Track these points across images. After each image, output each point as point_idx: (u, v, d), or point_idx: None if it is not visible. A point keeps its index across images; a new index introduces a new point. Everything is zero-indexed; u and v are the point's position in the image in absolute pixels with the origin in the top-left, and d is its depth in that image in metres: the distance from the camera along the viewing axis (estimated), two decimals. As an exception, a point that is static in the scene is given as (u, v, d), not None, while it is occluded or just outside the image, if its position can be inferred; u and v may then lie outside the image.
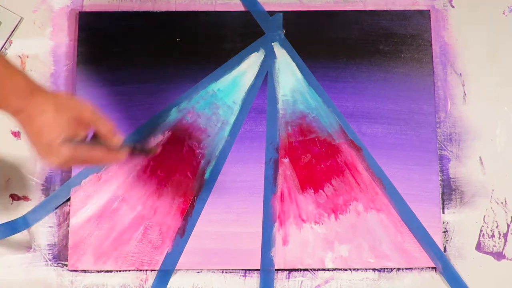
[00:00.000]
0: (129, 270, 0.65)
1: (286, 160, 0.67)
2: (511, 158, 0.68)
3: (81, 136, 0.49)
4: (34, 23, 0.71)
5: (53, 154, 0.48)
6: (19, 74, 0.48)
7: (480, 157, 0.68)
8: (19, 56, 0.70)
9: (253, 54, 0.70)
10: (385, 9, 0.71)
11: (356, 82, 0.69)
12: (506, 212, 0.67)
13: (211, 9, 0.71)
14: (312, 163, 0.67)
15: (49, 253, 0.66)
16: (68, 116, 0.48)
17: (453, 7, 0.72)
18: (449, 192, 0.67)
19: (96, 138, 0.52)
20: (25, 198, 0.67)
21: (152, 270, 0.65)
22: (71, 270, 0.65)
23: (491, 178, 0.68)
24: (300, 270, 0.65)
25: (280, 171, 0.67)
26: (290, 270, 0.65)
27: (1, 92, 0.47)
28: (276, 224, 0.66)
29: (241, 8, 0.71)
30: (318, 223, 0.66)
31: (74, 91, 0.68)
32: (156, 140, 0.66)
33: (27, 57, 0.70)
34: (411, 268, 0.65)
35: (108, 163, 0.53)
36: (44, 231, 0.66)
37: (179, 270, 0.65)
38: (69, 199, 0.66)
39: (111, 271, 0.65)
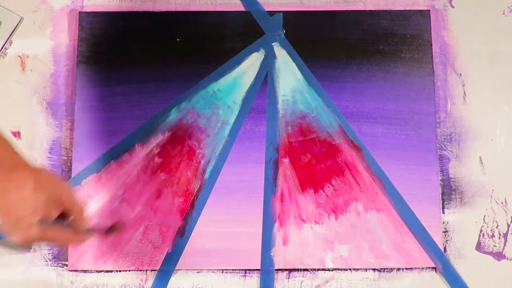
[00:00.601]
0: (129, 270, 0.65)
1: (286, 160, 0.67)
2: (511, 158, 0.68)
3: (52, 217, 0.49)
4: (34, 23, 0.71)
5: (21, 230, 0.47)
6: (4, 146, 0.48)
7: (480, 157, 0.68)
8: (19, 56, 0.70)
9: (253, 54, 0.70)
10: (385, 9, 0.71)
11: (356, 82, 0.69)
12: (506, 212, 0.67)
13: (211, 9, 0.71)
14: (312, 163, 0.67)
15: (49, 253, 0.66)
16: (45, 197, 0.47)
17: (453, 7, 0.72)
18: (449, 192, 0.67)
19: (63, 217, 0.51)
20: (25, 198, 0.67)
21: (152, 270, 0.65)
22: (71, 270, 0.65)
23: (491, 178, 0.68)
24: (300, 270, 0.65)
25: (280, 171, 0.67)
26: (290, 270, 0.65)
27: None
28: (276, 224, 0.66)
29: (241, 8, 0.71)
30: (318, 223, 0.66)
31: (74, 91, 0.68)
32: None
33: (27, 57, 0.70)
34: (411, 268, 0.65)
35: (74, 244, 0.53)
36: (44, 231, 0.66)
37: (179, 270, 0.65)
38: (69, 199, 0.66)
39: (111, 271, 0.65)
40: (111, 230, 0.57)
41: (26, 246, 0.48)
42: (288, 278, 0.65)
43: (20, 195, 0.46)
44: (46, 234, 0.48)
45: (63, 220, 0.51)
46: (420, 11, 0.71)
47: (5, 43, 0.69)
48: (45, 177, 0.48)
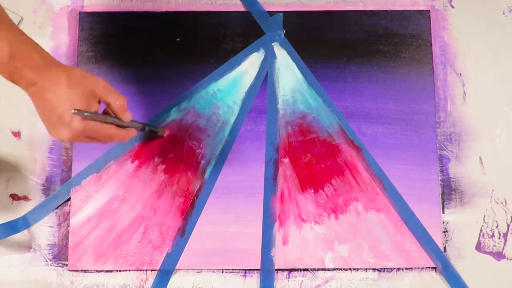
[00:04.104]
0: (129, 270, 0.65)
1: (286, 160, 0.67)
2: (511, 158, 0.68)
3: (93, 110, 0.49)
4: (34, 23, 0.71)
5: (64, 126, 0.47)
6: (33, 47, 0.49)
7: (480, 157, 0.68)
8: (19, 56, 0.69)
9: (253, 54, 0.70)
10: (385, 9, 0.71)
11: (356, 82, 0.69)
12: (506, 212, 0.67)
13: (211, 9, 0.71)
14: (312, 163, 0.67)
15: (49, 253, 0.66)
16: (81, 90, 0.48)
17: (453, 7, 0.72)
18: (449, 192, 0.67)
19: (106, 114, 0.52)
20: (25, 198, 0.67)
21: (152, 270, 0.65)
22: (71, 270, 0.65)
23: (491, 178, 0.68)
24: (300, 270, 0.65)
25: (280, 171, 0.67)
26: (290, 270, 0.65)
27: (15, 64, 0.47)
28: (276, 224, 0.66)
29: (241, 8, 0.71)
30: (318, 223, 0.66)
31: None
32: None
33: (27, 57, 0.69)
34: (411, 268, 0.65)
35: (118, 140, 0.53)
36: (44, 231, 0.66)
37: (179, 270, 0.65)
38: (69, 199, 0.66)
39: (111, 271, 0.65)
40: (154, 131, 0.58)
41: (75, 141, 0.49)
42: (288, 278, 0.65)
43: (57, 91, 0.47)
44: (89, 128, 0.49)
45: (106, 115, 0.52)
46: (420, 11, 0.71)
47: (5, 43, 0.69)
48: (77, 73, 0.49)
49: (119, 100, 0.52)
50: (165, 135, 0.67)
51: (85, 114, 0.48)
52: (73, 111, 0.47)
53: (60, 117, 0.47)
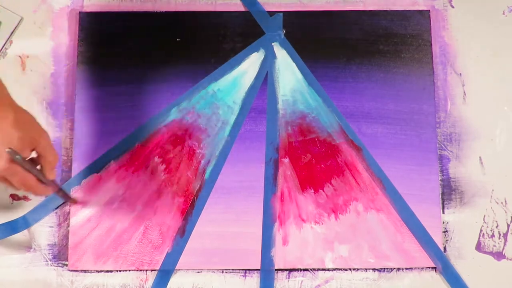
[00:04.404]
0: (129, 270, 0.65)
1: (286, 160, 0.67)
2: (511, 158, 0.68)
3: (23, 155, 0.49)
4: (34, 23, 0.71)
5: None
6: None
7: (480, 157, 0.68)
8: (19, 56, 0.70)
9: (253, 54, 0.70)
10: (385, 9, 0.71)
11: (356, 82, 0.69)
12: (506, 212, 0.67)
13: (211, 9, 0.71)
14: (312, 163, 0.67)
15: (49, 253, 0.66)
16: (22, 133, 0.48)
17: (453, 7, 0.72)
18: (449, 192, 0.67)
19: (33, 163, 0.52)
20: (25, 198, 0.67)
21: (152, 270, 0.65)
22: (71, 270, 0.65)
23: (491, 178, 0.68)
24: (300, 270, 0.65)
25: (280, 171, 0.67)
26: (290, 270, 0.65)
27: None
28: (276, 224, 0.66)
29: (241, 8, 0.71)
30: (318, 223, 0.66)
31: (74, 91, 0.68)
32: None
33: (27, 57, 0.70)
34: (411, 268, 0.65)
35: (32, 192, 0.53)
36: (44, 231, 0.66)
37: (179, 270, 0.65)
38: (69, 199, 0.66)
39: (111, 271, 0.65)
40: (67, 197, 0.59)
41: None
42: (288, 278, 0.65)
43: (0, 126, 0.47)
44: (13, 169, 0.48)
45: (33, 165, 0.52)
46: (420, 11, 0.71)
47: (5, 43, 0.69)
48: (27, 117, 0.49)
49: (53, 157, 0.52)
50: (76, 203, 0.65)
51: (17, 157, 0.48)
52: (7, 149, 0.47)
53: None
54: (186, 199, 0.66)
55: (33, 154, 0.52)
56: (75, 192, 0.66)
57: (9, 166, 0.48)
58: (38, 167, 0.53)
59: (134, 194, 0.66)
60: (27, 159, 0.50)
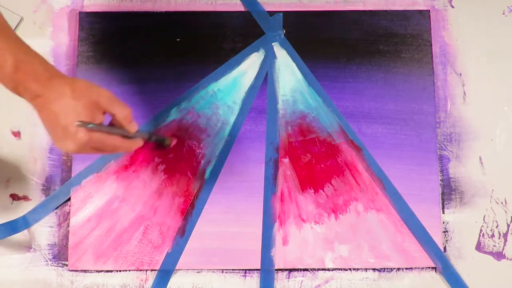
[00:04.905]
0: (129, 270, 0.65)
1: (286, 160, 0.67)
2: (511, 158, 0.68)
3: (98, 121, 0.49)
4: (34, 23, 0.71)
5: (69, 138, 0.47)
6: (37, 59, 0.49)
7: (480, 157, 0.68)
8: (19, 56, 0.69)
9: (253, 54, 0.70)
10: (385, 9, 0.71)
11: (356, 82, 0.69)
12: (506, 212, 0.67)
13: (211, 9, 0.71)
14: (312, 163, 0.67)
15: (49, 253, 0.66)
16: (85, 101, 0.48)
17: (453, 7, 0.72)
18: (449, 192, 0.67)
19: (112, 125, 0.52)
20: (25, 198, 0.67)
21: (152, 270, 0.65)
22: (71, 270, 0.65)
23: (491, 178, 0.68)
24: (300, 270, 0.65)
25: (280, 171, 0.67)
26: (290, 270, 0.65)
27: (20, 77, 0.47)
28: (276, 224, 0.66)
29: (241, 8, 0.71)
30: (318, 223, 0.66)
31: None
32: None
33: (27, 57, 0.69)
34: (411, 268, 0.65)
35: (123, 150, 0.53)
36: (44, 231, 0.66)
37: (179, 270, 0.65)
38: (69, 199, 0.66)
39: (111, 271, 0.65)
40: (161, 140, 0.57)
41: (81, 152, 0.49)
42: (288, 278, 0.65)
43: (61, 103, 0.47)
44: (95, 139, 0.48)
45: (111, 126, 0.51)
46: (420, 11, 0.71)
47: (5, 43, 0.69)
48: (82, 85, 0.49)
49: (124, 111, 0.52)
50: (172, 144, 0.65)
51: (89, 126, 0.48)
52: (77, 123, 0.47)
53: (65, 129, 0.47)
54: (186, 199, 0.66)
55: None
56: (75, 192, 0.66)
57: (90, 137, 0.48)
58: (118, 125, 0.53)
59: (134, 194, 0.66)
60: (101, 123, 0.50)
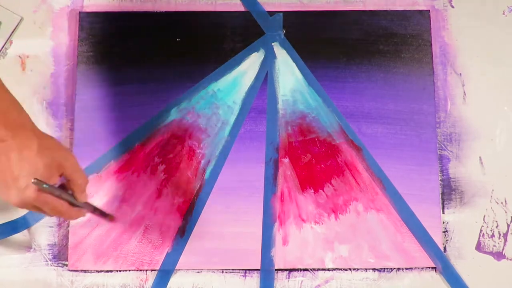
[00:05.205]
0: (129, 270, 0.65)
1: (286, 160, 0.67)
2: (511, 158, 0.68)
3: (52, 182, 0.48)
4: (34, 23, 0.71)
5: (16, 190, 0.46)
6: (14, 106, 0.48)
7: (480, 157, 0.68)
8: (19, 56, 0.70)
9: (253, 54, 0.70)
10: (385, 9, 0.71)
11: (356, 82, 0.69)
12: (506, 212, 0.67)
13: (211, 9, 0.71)
14: (312, 163, 0.67)
15: (49, 253, 0.66)
16: (48, 161, 0.47)
17: (453, 7, 0.72)
18: (449, 192, 0.67)
19: (63, 189, 0.51)
20: (25, 198, 0.67)
21: (152, 270, 0.65)
22: (71, 270, 0.65)
23: (491, 178, 0.68)
24: (300, 270, 0.65)
25: (280, 171, 0.67)
26: (290, 270, 0.65)
27: None
28: (276, 224, 0.66)
29: (241, 8, 0.71)
30: (318, 223, 0.66)
31: (74, 91, 0.68)
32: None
33: (27, 57, 0.70)
34: (411, 268, 0.65)
35: (65, 217, 0.52)
36: (44, 231, 0.66)
37: (179, 270, 0.65)
38: (69, 199, 0.66)
39: (111, 271, 0.65)
40: (104, 215, 0.57)
41: (21, 207, 0.48)
42: (288, 278, 0.65)
43: (22, 155, 0.46)
44: (42, 198, 0.47)
45: (63, 191, 0.50)
46: (420, 11, 0.71)
47: (5, 43, 0.69)
48: (50, 143, 0.48)
49: (82, 180, 0.51)
50: (113, 220, 0.64)
51: (44, 186, 0.46)
52: (33, 180, 0.45)
53: (15, 180, 0.45)
54: (186, 199, 0.66)
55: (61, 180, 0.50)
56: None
57: (38, 196, 0.46)
58: (69, 191, 0.51)
59: (134, 194, 0.66)
60: (56, 185, 0.49)
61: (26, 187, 0.46)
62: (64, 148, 0.49)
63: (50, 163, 0.47)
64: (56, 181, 0.49)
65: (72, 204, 0.51)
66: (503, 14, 0.71)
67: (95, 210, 0.58)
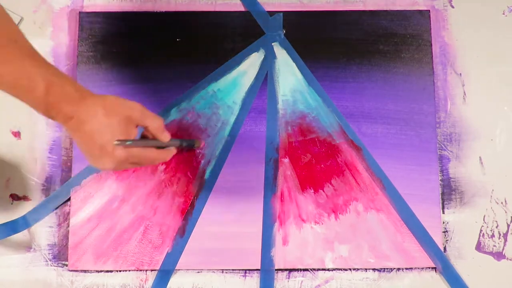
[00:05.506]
0: (129, 270, 0.65)
1: (286, 160, 0.67)
2: (511, 158, 0.68)
3: (132, 136, 0.49)
4: (34, 23, 0.71)
5: (107, 157, 0.48)
6: (67, 80, 0.48)
7: (480, 157, 0.68)
8: (19, 56, 0.69)
9: (253, 54, 0.70)
10: (385, 9, 0.71)
11: (356, 82, 0.69)
12: (506, 212, 0.67)
13: (211, 9, 0.71)
14: (312, 163, 0.67)
15: (49, 253, 0.66)
16: (119, 118, 0.48)
17: (453, 7, 0.72)
18: (449, 192, 0.67)
19: (144, 138, 0.52)
20: (25, 198, 0.67)
21: (152, 270, 0.65)
22: (71, 270, 0.65)
23: (491, 178, 0.68)
24: (300, 270, 0.65)
25: (280, 171, 0.67)
26: (290, 270, 0.65)
27: (52, 100, 0.46)
28: (276, 224, 0.66)
29: (241, 8, 0.71)
30: (318, 223, 0.66)
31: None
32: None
33: (27, 57, 0.70)
34: (411, 268, 0.65)
35: (159, 161, 0.54)
36: (44, 231, 0.66)
37: (179, 270, 0.65)
38: (69, 199, 0.66)
39: (111, 271, 0.65)
40: (192, 145, 0.58)
41: (118, 169, 0.50)
42: (288, 278, 0.65)
43: (95, 122, 0.47)
44: (132, 154, 0.49)
45: (145, 140, 0.52)
46: (420, 11, 0.71)
47: (5, 43, 0.69)
48: (112, 101, 0.49)
49: (156, 122, 0.52)
50: (201, 145, 0.66)
51: (127, 143, 0.48)
52: (115, 142, 0.47)
53: (102, 148, 0.47)
54: (186, 199, 0.66)
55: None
56: (75, 192, 0.66)
57: (127, 154, 0.48)
58: (150, 137, 0.53)
59: (134, 194, 0.66)
60: (135, 136, 0.50)
61: (113, 150, 0.47)
62: (126, 100, 0.50)
63: (121, 119, 0.48)
64: (136, 133, 0.50)
65: (160, 147, 0.53)
66: (503, 14, 0.72)
67: (182, 143, 0.58)
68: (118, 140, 0.47)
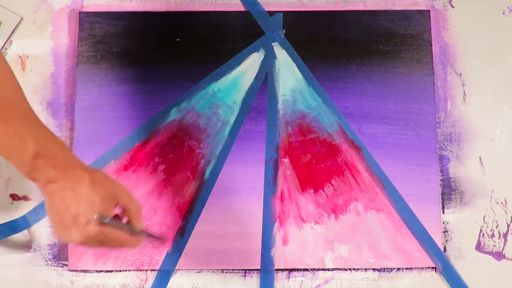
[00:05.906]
0: (129, 270, 0.65)
1: (286, 160, 0.67)
2: (511, 158, 0.68)
3: (109, 215, 0.47)
4: (34, 23, 0.71)
5: (77, 228, 0.46)
6: (58, 145, 0.47)
7: (480, 157, 0.68)
8: (19, 56, 0.70)
9: (253, 54, 0.70)
10: (385, 9, 0.71)
11: (356, 82, 0.69)
12: (506, 212, 0.67)
13: (211, 9, 0.71)
14: (312, 163, 0.67)
15: (49, 253, 0.66)
16: (104, 193, 0.47)
17: (453, 7, 0.72)
18: (449, 192, 0.67)
19: (119, 220, 0.50)
20: (25, 198, 0.67)
21: (152, 270, 0.65)
22: (71, 270, 0.65)
23: (491, 178, 0.68)
24: (300, 270, 0.65)
25: (280, 171, 0.67)
26: (290, 270, 0.65)
27: (39, 163, 0.45)
28: (276, 224, 0.66)
29: (241, 8, 0.71)
30: (318, 223, 0.66)
31: (74, 91, 0.68)
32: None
33: (27, 57, 0.70)
34: (411, 268, 0.65)
35: (128, 246, 0.51)
36: (44, 231, 0.66)
37: (179, 270, 0.65)
38: (69, 199, 0.66)
39: (111, 271, 0.65)
40: (159, 239, 0.57)
41: (83, 244, 0.47)
42: (288, 278, 0.65)
43: (77, 192, 0.46)
44: (104, 232, 0.47)
45: (119, 220, 0.50)
46: (420, 11, 0.71)
47: (5, 43, 0.69)
48: (100, 175, 0.48)
49: (138, 208, 0.50)
50: (166, 241, 0.65)
51: (106, 220, 0.46)
52: (96, 216, 0.45)
53: (75, 219, 0.45)
54: (186, 199, 0.66)
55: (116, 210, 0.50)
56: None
57: (101, 231, 0.46)
58: (124, 220, 0.51)
59: (134, 194, 0.66)
60: (112, 217, 0.48)
61: (86, 223, 0.45)
62: (112, 178, 0.49)
63: (106, 196, 0.47)
64: (113, 212, 0.48)
65: (130, 233, 0.51)
66: (503, 14, 0.72)
67: (149, 236, 0.57)
68: (99, 214, 0.46)
